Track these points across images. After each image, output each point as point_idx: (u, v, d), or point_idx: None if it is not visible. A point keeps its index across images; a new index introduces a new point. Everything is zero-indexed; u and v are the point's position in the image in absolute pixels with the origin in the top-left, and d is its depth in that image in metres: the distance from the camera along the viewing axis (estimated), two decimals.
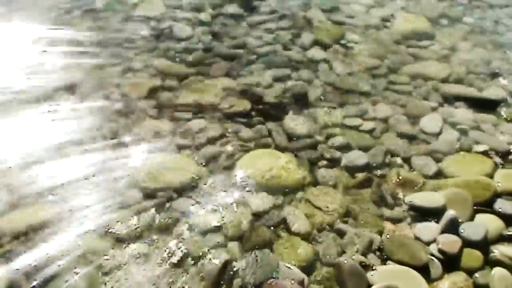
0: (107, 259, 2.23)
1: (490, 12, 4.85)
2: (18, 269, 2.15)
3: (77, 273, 2.15)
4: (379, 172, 2.86)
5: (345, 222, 2.53)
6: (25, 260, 2.19)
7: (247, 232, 2.42)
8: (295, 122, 3.17)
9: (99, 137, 2.95)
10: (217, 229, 2.44)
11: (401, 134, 3.16)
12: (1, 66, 3.52)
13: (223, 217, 2.50)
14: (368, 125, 3.21)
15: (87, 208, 2.47)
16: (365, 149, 3.01)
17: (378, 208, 2.64)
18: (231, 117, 3.19)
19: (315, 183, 2.76)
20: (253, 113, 3.25)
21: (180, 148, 2.93)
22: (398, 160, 2.96)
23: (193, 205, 2.56)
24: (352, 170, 2.86)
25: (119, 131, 3.01)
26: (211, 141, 3.00)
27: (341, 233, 2.46)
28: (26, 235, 2.31)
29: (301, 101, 3.40)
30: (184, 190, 2.64)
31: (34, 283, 2.10)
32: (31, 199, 2.51)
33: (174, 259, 2.27)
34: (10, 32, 3.91)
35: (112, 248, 2.29)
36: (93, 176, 2.67)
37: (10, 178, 2.62)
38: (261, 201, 2.59)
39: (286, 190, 2.69)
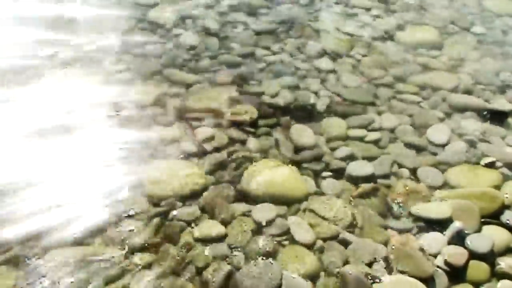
0: (111, 267, 2.24)
1: (498, 21, 4.84)
2: (23, 274, 2.18)
3: (82, 281, 2.16)
4: (384, 182, 2.85)
5: (350, 233, 2.52)
6: (31, 265, 2.21)
7: (251, 242, 2.42)
8: (302, 133, 3.17)
9: (106, 143, 2.97)
10: (222, 238, 2.44)
11: (408, 145, 3.15)
12: None
13: (227, 226, 2.50)
14: (374, 135, 3.20)
15: (92, 215, 2.49)
16: (371, 159, 3.00)
17: (383, 218, 2.63)
18: (238, 126, 3.20)
19: (320, 193, 2.76)
20: (260, 122, 3.25)
21: (187, 156, 2.94)
22: (404, 171, 2.94)
23: (198, 214, 2.57)
24: (357, 180, 2.85)
25: (126, 138, 3.03)
26: (218, 150, 3.01)
27: (345, 244, 2.45)
28: (31, 241, 2.33)
29: (307, 111, 3.40)
30: (190, 198, 2.65)
31: None
32: (38, 208, 2.53)
33: (178, 269, 2.28)
34: None
35: (116, 256, 2.30)
36: (99, 183, 2.69)
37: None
38: (265, 211, 2.59)
39: (291, 200, 2.68)
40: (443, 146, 3.15)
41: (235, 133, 3.15)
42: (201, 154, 2.97)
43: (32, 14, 4.31)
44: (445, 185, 2.85)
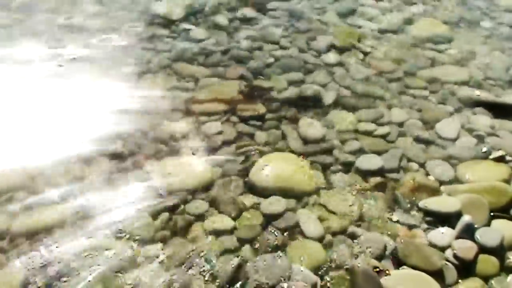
0: (122, 260, 2.25)
1: (508, 16, 4.80)
2: (34, 267, 2.19)
3: (91, 273, 2.18)
4: (393, 176, 2.84)
5: (359, 226, 2.52)
6: (41, 259, 2.23)
7: (260, 235, 2.43)
8: (310, 126, 3.16)
9: (116, 138, 2.98)
10: (231, 231, 2.45)
11: (417, 139, 3.14)
12: None
13: (236, 219, 2.51)
14: (383, 130, 3.19)
15: (103, 208, 2.50)
16: (380, 153, 2.99)
17: (392, 212, 2.62)
18: (246, 120, 3.20)
19: (329, 187, 2.76)
20: (268, 116, 3.25)
21: (195, 150, 2.95)
22: (414, 165, 2.93)
23: (207, 207, 2.57)
24: (366, 174, 2.85)
25: (134, 132, 3.04)
26: (226, 144, 3.01)
27: (354, 237, 2.45)
28: (42, 235, 2.35)
29: (316, 105, 3.39)
30: (199, 192, 2.66)
31: (51, 281, 2.14)
32: (49, 200, 2.55)
33: (188, 261, 2.28)
34: None
35: (127, 249, 2.31)
36: (109, 177, 2.70)
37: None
38: (275, 204, 2.59)
39: (300, 193, 2.68)
40: (452, 140, 3.13)
41: (243, 127, 3.15)
42: (210, 148, 2.97)
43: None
44: (454, 179, 2.84)
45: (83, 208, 2.50)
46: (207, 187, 2.70)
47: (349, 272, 2.26)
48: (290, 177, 2.72)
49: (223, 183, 2.73)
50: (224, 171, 2.82)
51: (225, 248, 2.36)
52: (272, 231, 2.45)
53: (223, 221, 2.48)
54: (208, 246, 2.36)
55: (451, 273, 2.28)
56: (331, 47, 4.07)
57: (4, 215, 2.45)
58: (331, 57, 3.94)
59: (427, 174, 2.88)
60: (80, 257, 2.25)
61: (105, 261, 2.24)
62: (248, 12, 4.54)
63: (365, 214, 2.59)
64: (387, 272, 2.26)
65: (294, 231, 2.47)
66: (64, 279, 2.15)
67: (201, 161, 2.87)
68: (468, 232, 2.42)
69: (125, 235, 2.38)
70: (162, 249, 2.33)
